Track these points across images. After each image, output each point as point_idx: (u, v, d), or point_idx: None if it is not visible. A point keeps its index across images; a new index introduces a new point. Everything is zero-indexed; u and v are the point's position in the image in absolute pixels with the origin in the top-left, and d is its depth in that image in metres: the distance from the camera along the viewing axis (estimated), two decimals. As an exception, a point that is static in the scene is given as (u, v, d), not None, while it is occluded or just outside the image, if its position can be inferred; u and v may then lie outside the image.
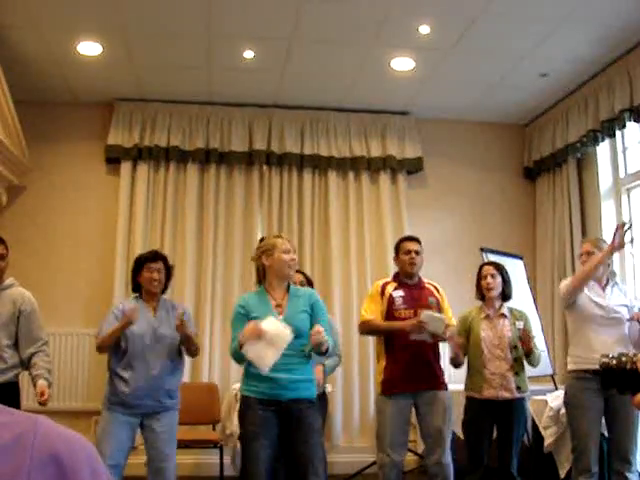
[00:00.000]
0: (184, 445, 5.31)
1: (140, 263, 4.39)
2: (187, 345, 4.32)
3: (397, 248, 4.94)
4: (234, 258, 6.70)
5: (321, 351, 3.73)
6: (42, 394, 4.02)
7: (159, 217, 6.69)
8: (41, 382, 4.08)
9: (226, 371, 6.38)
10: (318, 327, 3.65)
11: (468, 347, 4.61)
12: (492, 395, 4.45)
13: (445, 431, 4.68)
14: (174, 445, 4.35)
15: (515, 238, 7.10)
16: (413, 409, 4.75)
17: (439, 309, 4.73)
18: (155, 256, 4.42)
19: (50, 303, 6.21)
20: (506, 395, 4.44)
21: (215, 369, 6.49)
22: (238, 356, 3.75)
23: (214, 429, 5.82)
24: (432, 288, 4.88)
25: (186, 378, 6.24)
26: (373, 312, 4.78)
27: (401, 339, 4.63)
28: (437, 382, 4.72)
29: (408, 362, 4.61)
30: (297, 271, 4.75)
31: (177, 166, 6.78)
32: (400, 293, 4.75)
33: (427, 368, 4.68)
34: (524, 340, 4.42)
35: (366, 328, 4.85)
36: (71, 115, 6.77)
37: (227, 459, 5.67)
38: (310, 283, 4.99)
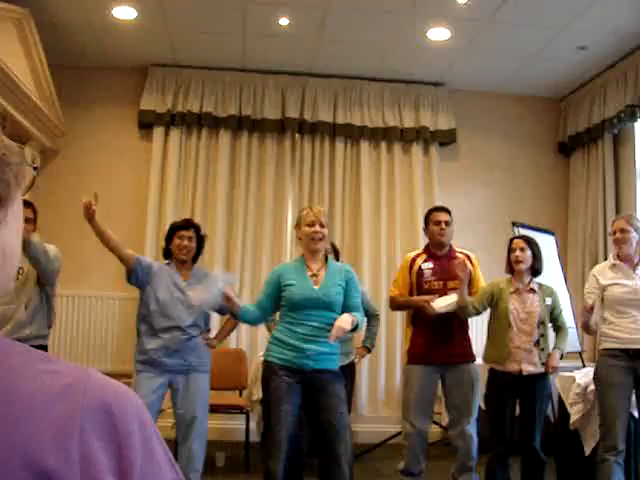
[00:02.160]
0: (211, 410, 5.37)
1: (172, 230, 4.44)
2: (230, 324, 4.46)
3: (427, 219, 4.91)
4: (264, 226, 6.71)
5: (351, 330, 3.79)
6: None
7: (190, 183, 6.71)
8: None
9: (254, 338, 6.43)
10: (341, 323, 3.67)
11: (493, 318, 4.58)
12: (515, 369, 4.43)
13: (471, 403, 4.69)
14: (204, 407, 4.39)
15: (547, 214, 7.03)
16: (440, 381, 4.77)
17: (470, 280, 4.71)
18: (187, 224, 4.45)
19: (81, 267, 6.30)
20: (530, 369, 4.42)
21: (243, 336, 6.54)
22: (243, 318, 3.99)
23: (241, 395, 5.88)
24: (464, 257, 4.84)
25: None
26: (400, 287, 4.80)
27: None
28: (464, 355, 4.73)
29: (434, 334, 4.63)
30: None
31: (209, 132, 6.78)
32: (429, 265, 4.74)
33: (453, 341, 4.69)
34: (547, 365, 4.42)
35: (392, 305, 4.95)
36: (105, 80, 6.79)
37: (253, 425, 5.73)
38: (336, 253, 4.97)
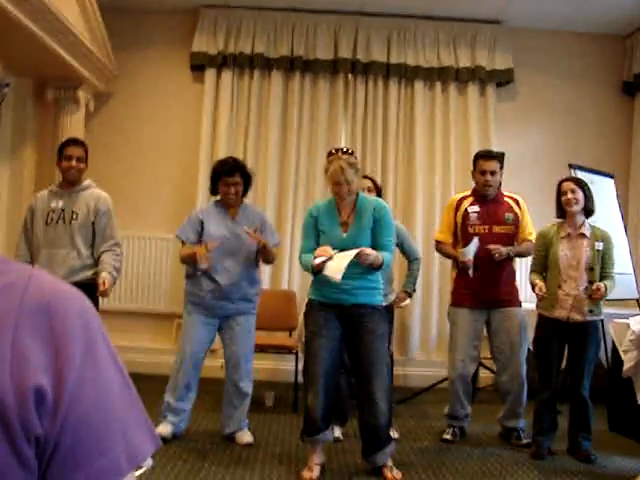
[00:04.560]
0: (261, 350, 5.46)
1: (217, 175, 4.43)
2: (263, 254, 4.38)
3: (474, 163, 4.82)
4: (317, 167, 6.66)
5: (373, 267, 3.75)
6: (103, 284, 4.16)
7: (242, 125, 6.69)
8: (104, 274, 4.21)
9: (305, 279, 6.41)
10: (362, 251, 3.65)
11: (545, 264, 4.49)
12: (563, 316, 4.36)
13: (518, 348, 4.66)
14: (251, 347, 4.51)
15: (608, 157, 6.80)
16: (485, 325, 4.75)
17: (516, 225, 4.66)
18: (232, 169, 4.42)
19: (135, 209, 6.40)
20: (577, 317, 4.34)
21: (295, 277, 6.57)
22: (307, 268, 3.83)
23: (290, 335, 5.94)
24: (512, 202, 4.77)
25: (266, 284, 6.38)
26: (444, 229, 4.80)
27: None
28: (509, 300, 4.69)
29: (478, 278, 4.59)
30: (365, 177, 4.72)
31: (261, 74, 6.72)
32: (475, 208, 4.68)
33: (498, 285, 4.66)
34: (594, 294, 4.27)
35: (437, 248, 4.98)
36: (156, 22, 6.77)
37: (302, 365, 5.79)
38: (378, 190, 4.90)
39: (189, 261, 4.33)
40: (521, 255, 4.86)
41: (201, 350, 4.41)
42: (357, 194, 3.94)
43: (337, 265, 3.60)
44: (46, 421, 0.68)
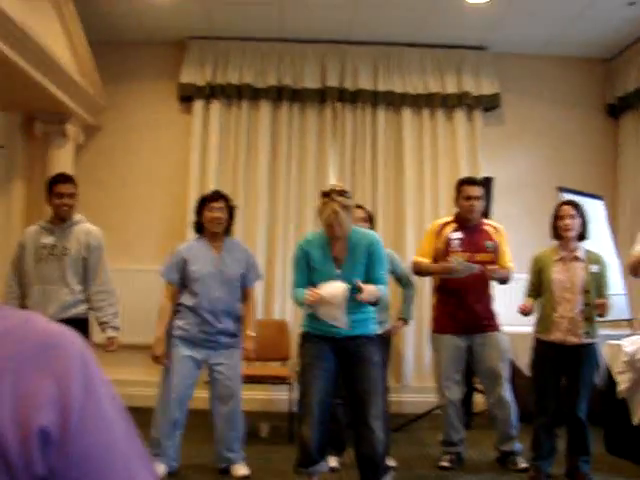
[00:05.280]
0: (255, 380, 5.43)
1: (202, 203, 4.44)
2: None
3: (458, 190, 4.85)
4: (307, 196, 6.68)
5: (371, 303, 3.79)
6: (111, 344, 4.19)
7: (232, 155, 6.70)
8: (110, 333, 4.23)
9: (298, 309, 6.42)
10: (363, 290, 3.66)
11: (541, 289, 4.51)
12: (559, 339, 4.37)
13: (501, 370, 4.69)
14: (238, 382, 4.47)
15: (594, 178, 6.85)
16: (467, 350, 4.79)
17: (496, 252, 4.70)
18: (216, 195, 4.44)
19: (124, 241, 6.39)
20: (573, 340, 4.35)
21: (287, 307, 6.55)
22: (299, 303, 3.85)
23: (284, 365, 5.91)
24: (492, 230, 4.82)
25: (259, 315, 6.34)
26: (424, 253, 4.83)
27: (450, 280, 4.64)
28: (489, 324, 4.75)
29: (456, 304, 4.68)
30: (358, 206, 4.72)
31: (250, 104, 6.75)
32: (458, 235, 4.73)
33: (477, 311, 4.70)
34: (599, 309, 4.30)
35: (415, 269, 4.93)
36: (144, 54, 6.81)
37: (296, 395, 5.76)
38: (371, 219, 4.91)
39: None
40: (500, 280, 4.84)
41: (186, 384, 4.34)
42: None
43: (335, 312, 3.66)
44: (51, 458, 0.69)
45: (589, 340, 4.38)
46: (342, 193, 3.78)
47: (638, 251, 4.26)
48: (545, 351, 4.44)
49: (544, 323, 4.43)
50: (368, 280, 3.78)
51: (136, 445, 0.79)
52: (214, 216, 4.37)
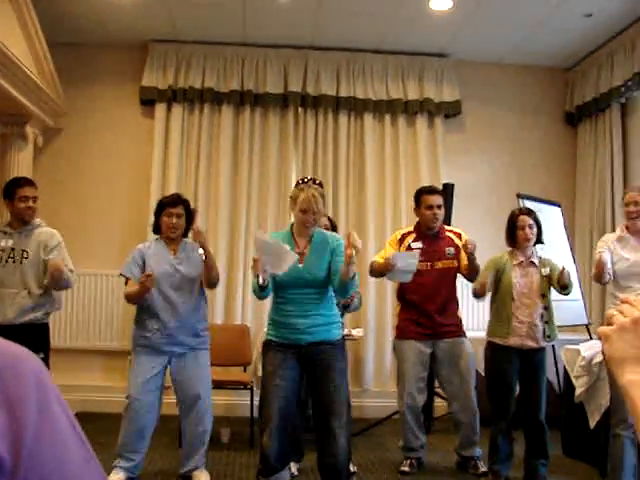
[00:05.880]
0: (216, 386, 5.39)
1: (160, 207, 4.41)
2: (206, 270, 4.33)
3: (418, 199, 4.87)
4: (268, 200, 6.68)
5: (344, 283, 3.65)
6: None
7: (193, 159, 6.67)
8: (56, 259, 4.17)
9: (259, 313, 6.42)
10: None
11: (497, 292, 4.54)
12: (517, 343, 4.41)
13: (467, 377, 4.71)
14: (206, 384, 4.41)
15: (554, 185, 6.96)
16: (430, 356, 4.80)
17: (458, 258, 4.73)
18: (175, 201, 4.41)
19: (85, 245, 6.31)
20: (531, 344, 4.41)
21: (248, 311, 6.54)
22: (257, 289, 3.69)
23: (245, 371, 5.89)
24: (453, 236, 4.85)
25: (219, 319, 6.35)
26: (383, 257, 4.76)
27: (408, 290, 4.66)
28: (454, 330, 4.76)
29: (419, 309, 4.69)
30: None
31: (212, 108, 6.73)
32: (419, 245, 4.75)
33: (442, 317, 4.71)
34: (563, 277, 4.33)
35: (369, 269, 4.90)
36: (106, 57, 6.75)
37: (257, 401, 5.75)
38: (334, 227, 4.92)
39: (136, 298, 4.27)
40: (474, 270, 4.76)
41: (150, 392, 4.28)
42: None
43: None
44: None
45: (549, 343, 4.46)
46: (318, 183, 3.84)
47: (603, 258, 4.29)
48: (502, 356, 4.48)
49: (501, 328, 4.47)
50: (332, 274, 3.74)
51: (92, 464, 0.78)
52: (171, 223, 4.35)
